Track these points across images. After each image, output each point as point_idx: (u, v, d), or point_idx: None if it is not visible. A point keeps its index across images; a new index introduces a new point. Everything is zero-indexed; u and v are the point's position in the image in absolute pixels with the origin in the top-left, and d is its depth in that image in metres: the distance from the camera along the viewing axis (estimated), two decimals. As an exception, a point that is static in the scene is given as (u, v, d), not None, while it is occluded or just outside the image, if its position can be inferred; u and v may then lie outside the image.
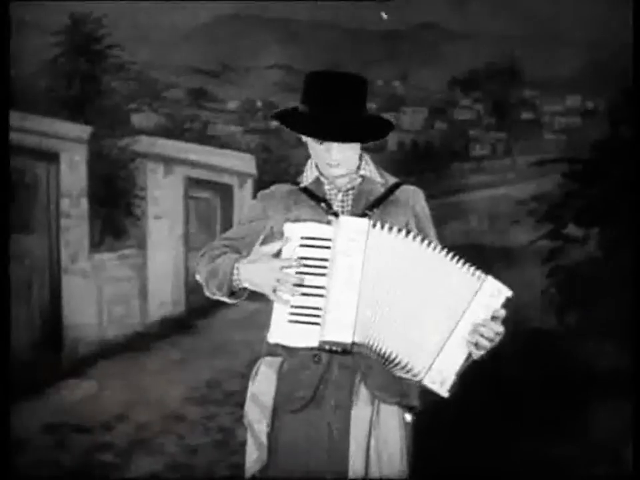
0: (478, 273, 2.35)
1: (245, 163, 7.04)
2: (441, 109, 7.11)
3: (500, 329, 2.33)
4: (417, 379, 2.34)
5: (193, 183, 6.85)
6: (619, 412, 4.49)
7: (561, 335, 5.71)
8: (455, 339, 2.33)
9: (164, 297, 6.57)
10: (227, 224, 6.97)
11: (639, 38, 4.77)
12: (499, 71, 6.79)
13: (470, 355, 2.34)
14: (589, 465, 4.39)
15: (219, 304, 6.10)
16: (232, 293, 2.46)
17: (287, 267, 2.31)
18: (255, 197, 2.62)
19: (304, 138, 2.47)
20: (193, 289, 6.66)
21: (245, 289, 2.44)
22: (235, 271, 2.40)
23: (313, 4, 6.29)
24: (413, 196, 2.54)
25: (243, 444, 2.50)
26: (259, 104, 7.11)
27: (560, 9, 6.03)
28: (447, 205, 6.47)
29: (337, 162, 2.42)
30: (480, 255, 6.03)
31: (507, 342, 2.36)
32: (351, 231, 2.31)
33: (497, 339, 2.33)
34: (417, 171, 6.63)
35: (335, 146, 2.40)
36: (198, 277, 2.55)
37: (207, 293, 2.55)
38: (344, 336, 2.29)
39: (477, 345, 2.32)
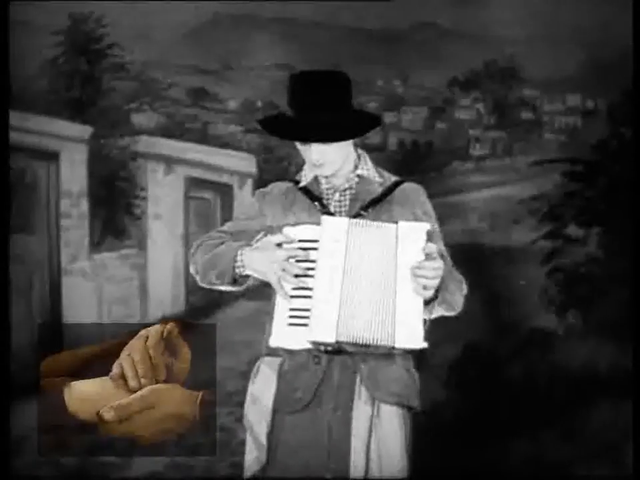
0: (387, 224, 2.33)
1: (245, 162, 7.04)
2: (441, 109, 7.11)
3: (436, 263, 2.28)
4: (391, 346, 2.30)
5: (193, 182, 6.85)
6: (619, 412, 4.49)
7: (561, 335, 5.71)
8: (402, 293, 2.30)
9: (164, 297, 6.57)
10: (227, 224, 6.96)
11: (639, 38, 4.76)
12: (498, 71, 6.79)
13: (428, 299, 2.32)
14: (588, 465, 4.39)
15: (219, 304, 6.11)
16: (234, 281, 2.44)
17: (292, 257, 2.31)
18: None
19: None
20: (193, 289, 6.66)
21: (246, 276, 2.43)
22: (239, 257, 2.38)
23: (312, 4, 6.29)
24: (413, 194, 2.53)
25: (243, 444, 2.50)
26: (259, 104, 7.11)
27: (560, 9, 6.03)
28: (447, 205, 6.47)
29: (319, 162, 2.41)
30: (480, 254, 6.04)
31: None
32: (333, 230, 2.31)
33: (439, 273, 2.29)
34: (418, 171, 6.63)
35: (314, 146, 2.39)
36: (192, 268, 2.53)
37: (202, 283, 2.51)
38: (327, 336, 2.29)
39: (424, 288, 2.29)
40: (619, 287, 5.41)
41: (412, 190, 2.54)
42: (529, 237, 6.08)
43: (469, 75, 6.86)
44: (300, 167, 2.56)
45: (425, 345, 2.31)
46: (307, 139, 2.38)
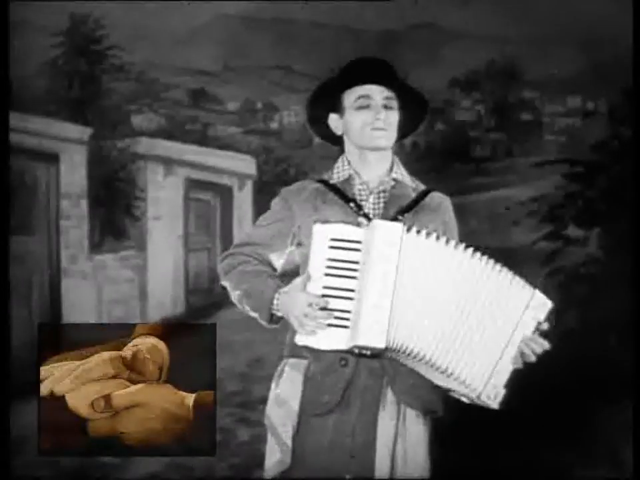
0: (527, 285, 2.36)
1: (245, 164, 7.04)
2: (441, 110, 7.11)
3: (547, 345, 2.35)
4: (474, 394, 2.30)
5: (192, 184, 6.85)
6: (619, 413, 4.48)
7: (561, 335, 5.69)
8: (508, 353, 2.32)
9: (164, 298, 6.57)
10: (227, 225, 6.98)
11: (639, 38, 4.76)
12: (498, 71, 6.79)
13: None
14: (589, 467, 4.39)
15: (219, 304, 6.11)
16: (270, 319, 2.42)
17: (314, 303, 2.27)
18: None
19: (344, 117, 2.46)
20: (192, 289, 6.66)
21: (282, 317, 2.40)
22: (276, 301, 2.37)
23: (312, 4, 6.29)
24: (443, 204, 2.53)
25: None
26: (259, 104, 7.10)
27: (560, 9, 6.04)
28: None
29: (383, 125, 2.41)
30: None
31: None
32: (384, 235, 2.26)
33: (539, 353, 2.35)
34: (417, 172, 6.62)
35: (382, 107, 2.41)
36: (224, 282, 2.50)
37: (234, 301, 2.52)
38: (377, 341, 2.24)
39: (522, 357, 2.33)
40: (619, 287, 5.40)
41: (441, 200, 2.54)
42: (529, 238, 6.07)
43: (469, 76, 6.86)
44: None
45: (498, 407, 2.32)
46: (381, 77, 2.44)
